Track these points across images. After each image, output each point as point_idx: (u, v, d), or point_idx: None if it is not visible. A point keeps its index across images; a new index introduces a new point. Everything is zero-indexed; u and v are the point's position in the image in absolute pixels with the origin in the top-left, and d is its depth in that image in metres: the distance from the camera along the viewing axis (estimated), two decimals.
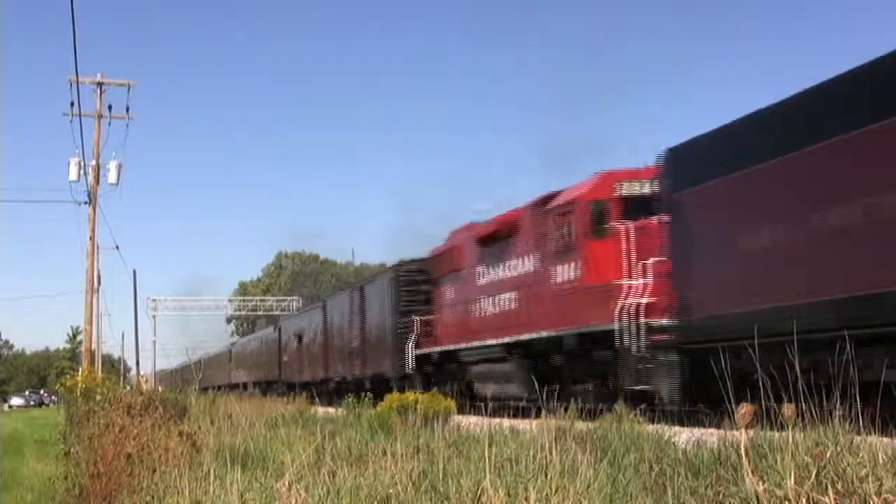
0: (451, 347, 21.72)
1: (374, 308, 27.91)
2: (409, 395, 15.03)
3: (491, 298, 19.92)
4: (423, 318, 24.05)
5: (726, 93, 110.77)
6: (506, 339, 18.51)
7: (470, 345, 20.47)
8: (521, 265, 18.36)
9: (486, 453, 5.06)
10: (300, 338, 39.58)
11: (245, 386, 52.15)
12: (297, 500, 5.17)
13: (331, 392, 31.84)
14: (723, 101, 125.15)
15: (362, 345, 28.97)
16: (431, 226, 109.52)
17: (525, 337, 17.62)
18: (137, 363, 55.88)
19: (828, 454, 4.15)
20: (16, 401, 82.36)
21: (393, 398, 14.47)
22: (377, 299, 27.70)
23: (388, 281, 26.74)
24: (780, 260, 11.30)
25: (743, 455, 4.34)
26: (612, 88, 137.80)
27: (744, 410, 8.42)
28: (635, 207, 15.16)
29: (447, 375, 22.41)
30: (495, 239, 19.76)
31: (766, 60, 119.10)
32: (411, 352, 23.87)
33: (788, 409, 4.88)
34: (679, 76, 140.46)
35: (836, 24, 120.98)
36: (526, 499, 4.51)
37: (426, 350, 23.43)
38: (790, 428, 4.72)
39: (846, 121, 10.35)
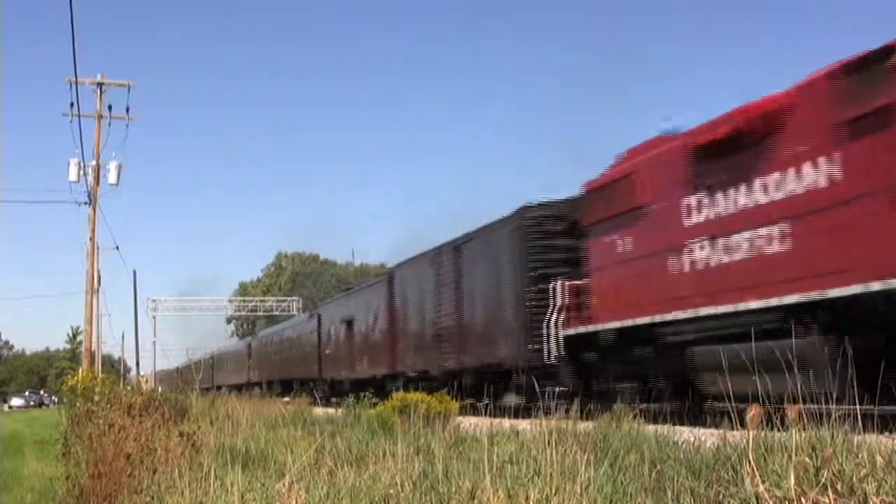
0: (647, 320, 13.88)
1: (481, 273, 20.23)
2: (414, 395, 14.56)
3: (724, 240, 12.47)
4: (571, 283, 16.45)
5: (726, 93, 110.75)
6: (793, 299, 10.89)
7: (691, 314, 12.82)
8: (799, 179, 11.21)
9: (486, 454, 5.07)
10: (349, 325, 31.60)
11: (270, 385, 45.34)
12: (297, 501, 5.18)
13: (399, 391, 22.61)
14: (723, 101, 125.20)
15: (459, 327, 21.24)
16: (431, 225, 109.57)
17: (840, 292, 10.21)
18: (137, 363, 55.97)
19: (822, 456, 4.15)
20: (16, 401, 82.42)
21: (395, 398, 14.40)
22: (487, 261, 19.95)
23: (507, 234, 18.90)
24: None
25: (749, 456, 4.33)
26: (611, 88, 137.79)
27: (753, 412, 8.03)
28: None
29: (632, 365, 14.56)
30: (731, 147, 12.24)
31: (766, 60, 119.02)
32: (555, 332, 16.34)
33: (793, 410, 4.86)
34: (679, 76, 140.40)
35: (836, 24, 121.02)
36: (526, 499, 4.52)
37: (588, 328, 15.61)
38: (790, 428, 4.72)
39: None
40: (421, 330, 24.15)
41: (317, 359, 36.68)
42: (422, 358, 23.95)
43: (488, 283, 19.87)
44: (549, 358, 16.48)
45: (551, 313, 16.57)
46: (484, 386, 17.20)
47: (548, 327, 16.53)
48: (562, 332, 16.31)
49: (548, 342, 16.49)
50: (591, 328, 15.60)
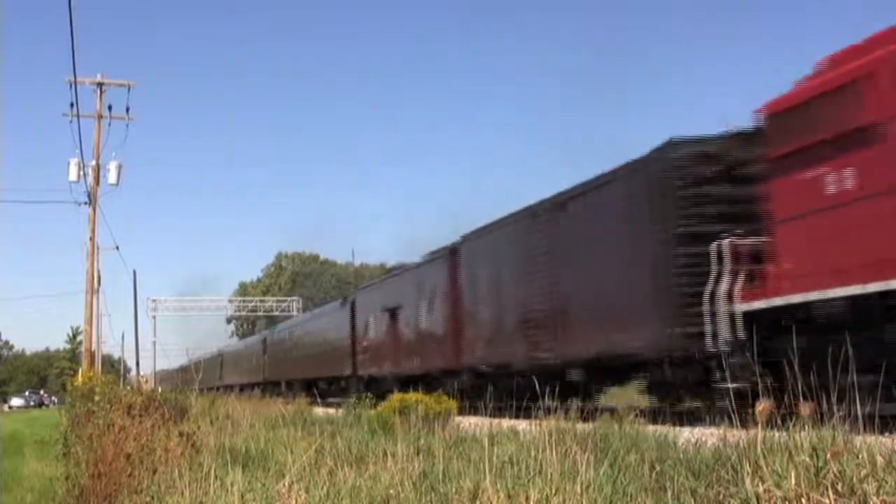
0: None
1: (598, 237, 15.53)
2: (412, 396, 14.49)
3: None
4: (743, 242, 12.32)
5: (726, 93, 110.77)
6: None
7: None
8: None
9: (487, 454, 5.07)
10: (393, 312, 26.91)
11: (289, 385, 41.22)
12: (297, 501, 5.18)
13: (463, 390, 19.51)
14: (723, 100, 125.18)
15: (559, 308, 16.69)
16: (432, 225, 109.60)
17: None
18: (137, 363, 55.92)
19: (828, 454, 4.15)
20: (16, 401, 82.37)
21: (394, 398, 14.41)
22: (607, 220, 15.29)
23: (640, 182, 14.33)
24: None
25: (759, 450, 4.33)
26: (611, 88, 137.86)
27: (761, 407, 7.70)
28: None
29: (874, 350, 9.63)
30: None
31: (766, 60, 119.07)
32: (725, 309, 12.10)
33: (806, 408, 4.84)
34: (679, 76, 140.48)
35: (836, 24, 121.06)
36: (526, 499, 4.51)
37: (791, 299, 11.13)
38: (791, 427, 4.72)
39: None
40: (498, 314, 19.40)
41: (350, 353, 31.54)
42: (500, 349, 19.16)
43: (609, 249, 15.16)
44: (714, 343, 12.21)
45: (715, 284, 12.39)
46: (584, 383, 14.29)
47: (712, 303, 12.29)
48: (739, 308, 11.97)
49: (713, 322, 12.26)
50: (794, 298, 11.04)
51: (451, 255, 22.47)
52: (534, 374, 16.57)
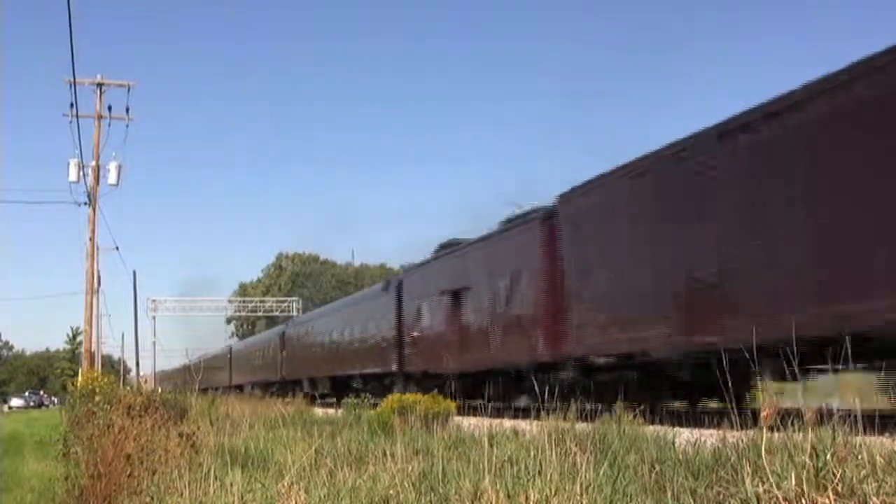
0: None
1: (804, 165, 10.95)
2: (410, 396, 14.63)
3: None
4: None
5: (725, 92, 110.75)
6: None
7: None
8: None
9: (486, 454, 5.07)
10: (456, 295, 22.20)
11: (313, 384, 36.56)
12: (297, 501, 5.18)
13: (565, 390, 14.14)
14: (722, 100, 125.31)
15: (734, 269, 12.08)
16: (431, 225, 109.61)
17: None
18: (137, 364, 55.94)
19: (828, 455, 4.15)
20: (15, 402, 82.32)
21: (393, 399, 14.44)
22: (822, 140, 10.72)
23: None
24: None
25: (763, 455, 4.32)
26: (612, 89, 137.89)
27: (766, 412, 7.29)
28: None
29: None
30: None
31: (767, 61, 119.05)
32: None
33: (811, 411, 4.84)
34: (679, 75, 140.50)
35: (836, 24, 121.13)
36: (526, 500, 4.51)
37: None
38: (790, 428, 4.72)
39: None
40: (624, 288, 14.82)
41: (395, 346, 26.80)
42: (626, 333, 14.66)
43: (826, 179, 10.66)
44: None
45: None
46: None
47: None
48: None
49: None
50: None
51: (545, 219, 17.91)
52: (684, 362, 13.46)
